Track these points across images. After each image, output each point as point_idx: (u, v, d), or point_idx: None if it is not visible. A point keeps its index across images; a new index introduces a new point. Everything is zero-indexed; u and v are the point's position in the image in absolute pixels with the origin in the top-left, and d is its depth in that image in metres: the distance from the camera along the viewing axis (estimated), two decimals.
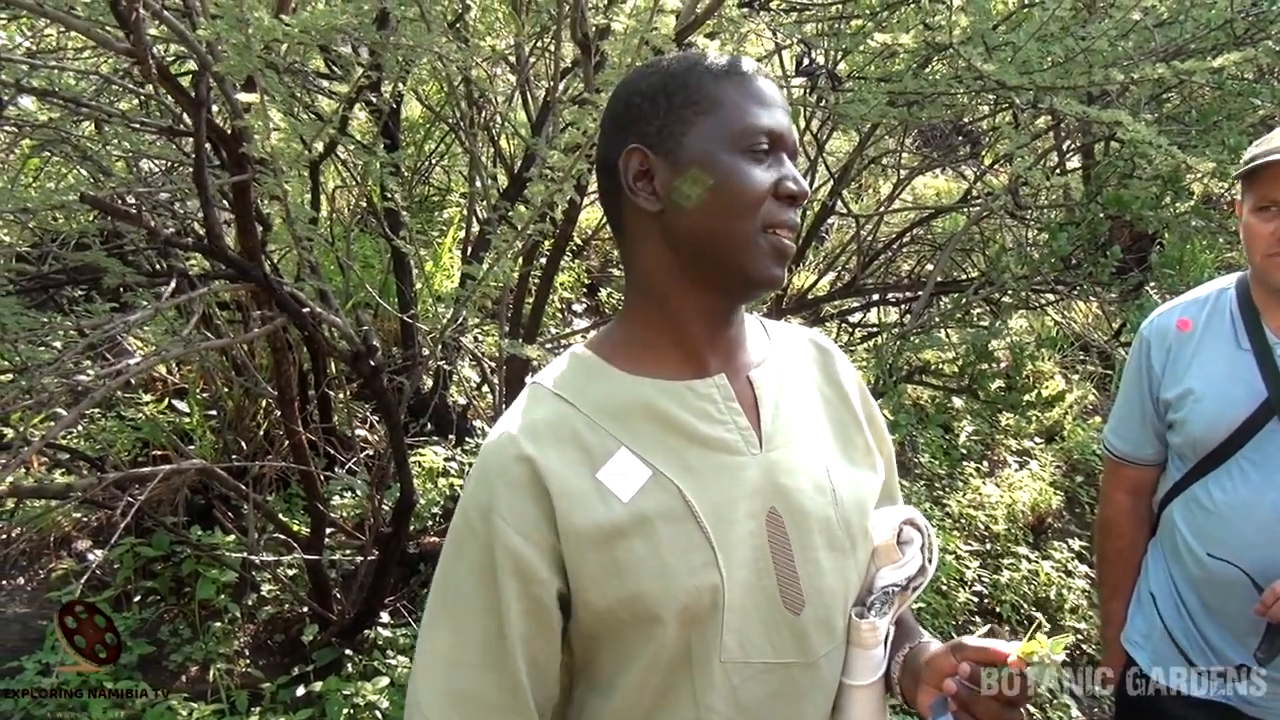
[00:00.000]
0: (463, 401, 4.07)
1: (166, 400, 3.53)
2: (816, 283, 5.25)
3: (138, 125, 2.82)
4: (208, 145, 2.46)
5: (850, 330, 5.02)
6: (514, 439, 1.07)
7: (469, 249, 3.76)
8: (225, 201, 2.81)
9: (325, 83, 3.32)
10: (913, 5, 3.32)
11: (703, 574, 1.05)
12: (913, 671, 1.14)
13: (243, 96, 1.86)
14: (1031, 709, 3.34)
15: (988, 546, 4.30)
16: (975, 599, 3.93)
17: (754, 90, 1.08)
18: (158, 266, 3.20)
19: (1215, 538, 1.86)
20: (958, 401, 4.60)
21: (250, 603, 3.06)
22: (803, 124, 4.10)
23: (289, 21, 1.79)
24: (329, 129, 2.32)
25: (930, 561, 1.18)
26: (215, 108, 2.32)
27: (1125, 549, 2.14)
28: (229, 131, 2.12)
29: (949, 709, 1.05)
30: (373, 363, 2.32)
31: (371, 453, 3.66)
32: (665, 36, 1.94)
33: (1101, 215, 3.40)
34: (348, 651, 2.82)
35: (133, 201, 2.99)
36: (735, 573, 1.06)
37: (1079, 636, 3.94)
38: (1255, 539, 1.80)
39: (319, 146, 2.53)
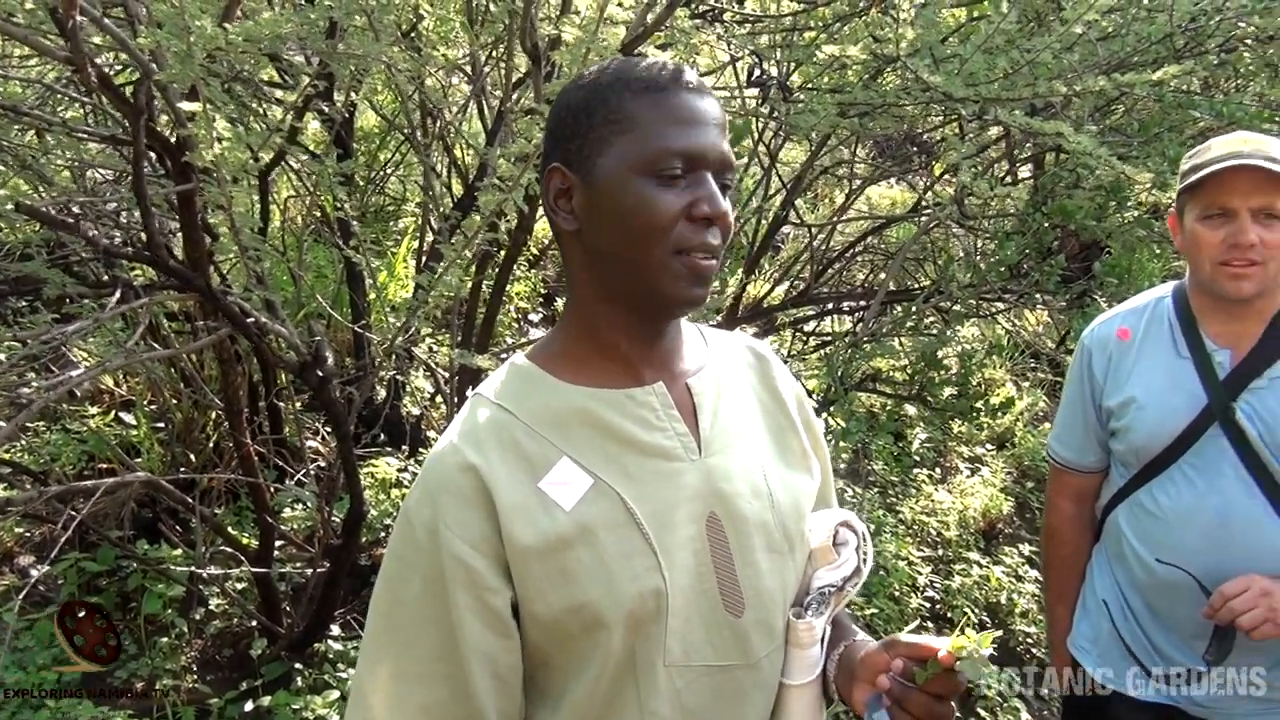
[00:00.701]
0: (416, 412, 4.05)
1: (113, 413, 3.48)
2: (770, 291, 5.28)
3: (82, 135, 2.78)
4: (154, 155, 2.44)
5: (804, 339, 5.05)
6: (457, 448, 1.06)
7: (424, 259, 3.74)
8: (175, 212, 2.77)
9: (278, 92, 3.30)
10: (863, 19, 3.35)
11: (646, 579, 1.05)
12: (848, 669, 1.16)
13: (186, 105, 1.83)
14: (981, 712, 3.38)
15: (940, 552, 4.34)
16: (927, 604, 3.97)
17: (673, 108, 1.06)
18: (104, 277, 3.15)
19: (1162, 543, 1.88)
20: (910, 409, 4.65)
21: (198, 617, 3.01)
22: (756, 134, 4.13)
23: (232, 30, 1.78)
24: (276, 138, 2.31)
25: (865, 562, 1.20)
26: (165, 117, 2.29)
27: (1070, 555, 2.17)
28: (173, 140, 2.09)
29: (883, 705, 1.06)
30: (320, 373, 2.30)
31: (322, 464, 3.63)
32: (613, 49, 1.95)
33: (1047, 225, 3.46)
34: (297, 665, 2.79)
35: (76, 211, 2.94)
36: (678, 577, 1.07)
37: (1029, 640, 3.99)
38: (1199, 544, 1.83)
39: (266, 155, 2.51)
